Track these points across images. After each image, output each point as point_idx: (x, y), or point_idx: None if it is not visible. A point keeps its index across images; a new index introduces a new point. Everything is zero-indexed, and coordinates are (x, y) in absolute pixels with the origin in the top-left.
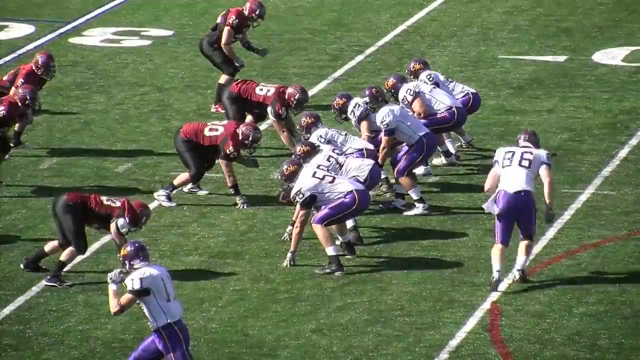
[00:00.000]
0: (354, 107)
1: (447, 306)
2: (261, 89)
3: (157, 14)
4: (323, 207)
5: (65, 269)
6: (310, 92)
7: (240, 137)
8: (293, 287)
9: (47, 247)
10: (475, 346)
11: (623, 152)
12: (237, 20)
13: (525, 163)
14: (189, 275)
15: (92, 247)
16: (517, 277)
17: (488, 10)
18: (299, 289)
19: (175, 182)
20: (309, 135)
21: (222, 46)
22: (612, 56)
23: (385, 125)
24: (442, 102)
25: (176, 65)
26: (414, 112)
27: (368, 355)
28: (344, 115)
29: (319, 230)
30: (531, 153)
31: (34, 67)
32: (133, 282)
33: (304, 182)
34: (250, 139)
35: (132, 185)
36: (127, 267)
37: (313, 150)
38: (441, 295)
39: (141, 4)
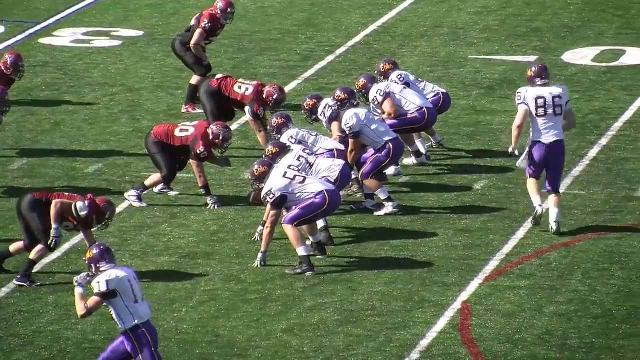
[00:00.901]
0: (324, 108)
1: (418, 306)
2: (240, 87)
3: (127, 15)
4: (294, 207)
5: (35, 269)
6: None
7: (210, 137)
8: (264, 288)
9: (12, 247)
10: (446, 346)
11: (593, 152)
12: (209, 24)
13: (559, 110)
14: (160, 275)
15: (63, 248)
16: (555, 228)
17: (458, 11)
18: (269, 289)
19: (147, 182)
20: (279, 136)
21: (192, 46)
22: (581, 56)
23: (349, 129)
24: (412, 102)
25: (146, 65)
26: (384, 112)
27: (339, 355)
28: (315, 116)
29: (289, 230)
30: (560, 97)
31: (2, 68)
32: (99, 284)
33: (275, 183)
34: (220, 138)
35: (103, 185)
36: (93, 270)
37: (283, 150)
38: (412, 295)
39: (111, 4)
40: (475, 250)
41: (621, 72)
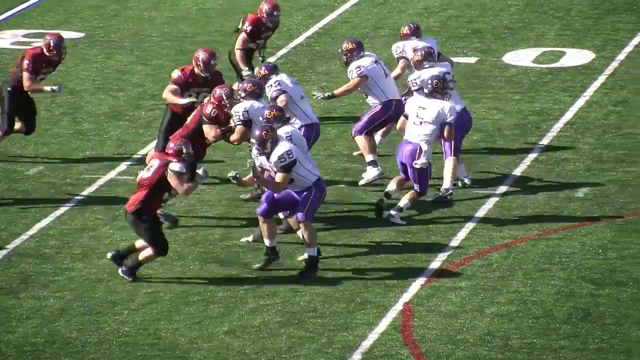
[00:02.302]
0: (274, 82)
1: (360, 307)
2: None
3: (67, 17)
4: (307, 198)
5: None
6: None
7: (216, 103)
8: (206, 289)
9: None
10: (388, 347)
11: (534, 153)
12: (250, 27)
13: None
14: (101, 278)
15: (1, 253)
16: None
17: (399, 12)
18: (211, 291)
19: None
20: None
21: (235, 50)
22: (522, 57)
23: (359, 70)
24: (383, 91)
25: (87, 67)
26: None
27: (281, 357)
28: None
29: (308, 226)
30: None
31: None
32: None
33: (290, 145)
34: (224, 98)
35: (44, 187)
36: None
37: (283, 116)
38: (354, 297)
39: (52, 6)
40: (417, 251)
41: (562, 73)
